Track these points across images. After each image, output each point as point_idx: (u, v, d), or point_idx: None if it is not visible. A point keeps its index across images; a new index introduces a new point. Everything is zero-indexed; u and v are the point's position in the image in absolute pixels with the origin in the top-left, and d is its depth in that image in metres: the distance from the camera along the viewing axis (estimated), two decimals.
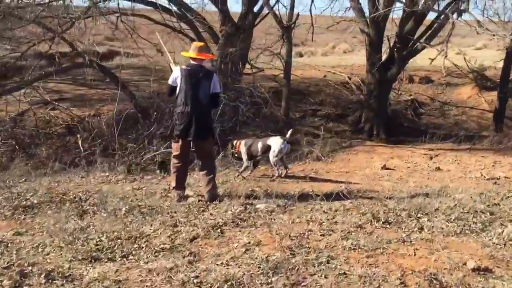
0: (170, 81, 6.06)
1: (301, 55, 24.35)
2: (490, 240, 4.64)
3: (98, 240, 4.53)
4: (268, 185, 7.14)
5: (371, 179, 8.05)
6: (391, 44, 12.31)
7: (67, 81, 14.33)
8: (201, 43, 6.51)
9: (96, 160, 8.77)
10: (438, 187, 7.08)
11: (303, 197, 6.25)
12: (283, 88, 12.32)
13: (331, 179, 7.91)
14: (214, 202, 5.87)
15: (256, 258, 4.08)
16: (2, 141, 10.46)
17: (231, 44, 11.28)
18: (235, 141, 7.98)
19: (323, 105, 13.82)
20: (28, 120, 11.32)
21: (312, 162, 9.59)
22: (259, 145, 7.65)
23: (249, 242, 4.46)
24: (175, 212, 5.47)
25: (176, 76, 5.99)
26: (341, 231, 4.74)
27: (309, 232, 4.72)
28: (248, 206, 5.62)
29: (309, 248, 4.33)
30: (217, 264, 4.01)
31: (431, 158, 9.96)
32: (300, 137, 10.80)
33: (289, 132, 7.59)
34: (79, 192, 6.50)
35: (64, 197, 6.21)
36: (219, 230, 4.78)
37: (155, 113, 10.52)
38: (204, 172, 6.08)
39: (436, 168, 9.05)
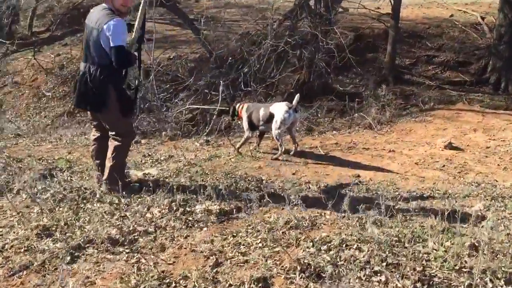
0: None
1: None
2: None
3: None
4: (260, 167, 5.46)
5: (415, 166, 5.84)
6: None
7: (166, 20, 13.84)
8: None
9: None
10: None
11: (277, 196, 4.46)
12: (389, 29, 10.65)
13: (357, 162, 5.90)
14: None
15: None
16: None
17: None
18: (237, 104, 6.30)
19: (442, 51, 11.85)
20: None
21: (359, 132, 7.56)
22: (261, 112, 5.90)
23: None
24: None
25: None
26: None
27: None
28: (178, 207, 4.04)
29: None
30: None
31: None
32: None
33: (296, 97, 5.69)
34: None
35: None
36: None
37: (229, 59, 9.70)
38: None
39: None
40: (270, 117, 5.80)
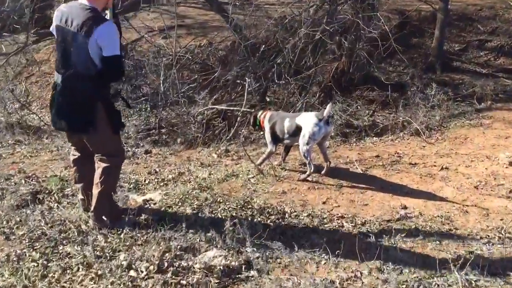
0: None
1: None
2: None
3: None
4: (284, 191, 4.53)
5: (475, 191, 4.75)
6: None
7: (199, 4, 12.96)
8: None
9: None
10: None
11: (299, 238, 3.53)
12: (438, 12, 9.69)
13: (403, 184, 4.86)
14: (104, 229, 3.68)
15: None
16: None
17: None
18: (259, 112, 5.34)
19: (495, 35, 10.73)
20: (138, 50, 10.23)
21: (404, 139, 6.49)
22: (286, 123, 4.93)
23: None
24: None
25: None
26: None
27: None
28: (171, 263, 3.17)
29: None
30: None
31: None
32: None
33: (328, 106, 4.68)
34: None
35: None
36: None
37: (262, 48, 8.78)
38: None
39: None
40: (297, 129, 4.83)
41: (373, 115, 8.79)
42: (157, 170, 5.24)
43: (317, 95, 9.75)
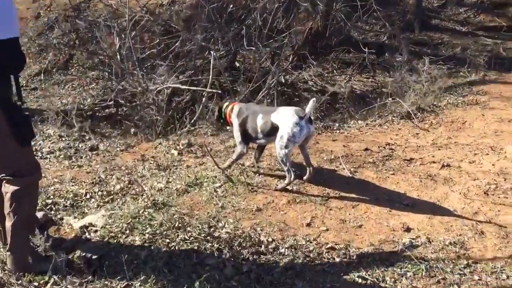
0: None
1: None
2: None
3: None
4: (259, 209, 3.66)
5: (486, 198, 3.98)
6: None
7: None
8: None
9: None
10: None
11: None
12: None
13: (400, 192, 4.05)
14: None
15: None
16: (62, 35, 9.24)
17: None
18: (225, 104, 4.38)
19: None
20: (93, 9, 9.32)
21: (393, 124, 5.66)
22: (259, 120, 4.01)
23: None
24: None
25: None
26: None
27: None
28: None
29: None
30: None
31: None
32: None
33: (311, 102, 3.75)
34: None
35: None
36: None
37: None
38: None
39: None
40: (273, 129, 3.91)
41: (350, 80, 8.11)
42: (103, 177, 4.27)
43: (290, 58, 8.93)
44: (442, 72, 7.26)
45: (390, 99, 6.16)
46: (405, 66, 7.22)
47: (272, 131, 3.93)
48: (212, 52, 6.56)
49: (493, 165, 4.55)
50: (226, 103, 4.35)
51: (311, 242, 3.27)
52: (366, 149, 4.89)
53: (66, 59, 9.47)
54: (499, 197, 3.98)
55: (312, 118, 3.97)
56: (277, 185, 4.03)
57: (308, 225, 3.50)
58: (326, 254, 3.15)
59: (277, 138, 3.85)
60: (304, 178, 4.09)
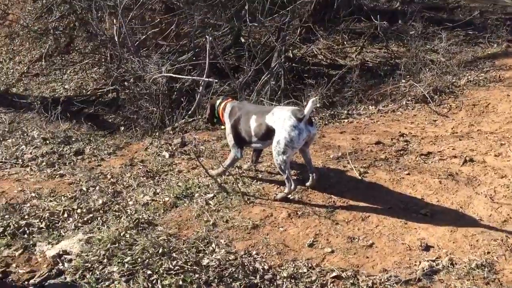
0: None
1: None
2: None
3: None
4: (255, 225, 3.22)
5: None
6: None
7: None
8: None
9: None
10: None
11: None
12: None
13: (417, 198, 3.56)
14: None
15: None
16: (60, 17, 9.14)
17: None
18: (217, 101, 3.88)
19: None
20: None
21: (407, 108, 5.12)
22: (252, 123, 3.52)
23: None
24: None
25: None
26: None
27: None
28: None
29: None
30: None
31: None
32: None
33: (310, 102, 3.23)
34: None
35: None
36: None
37: None
38: None
39: None
40: (268, 132, 3.43)
41: (362, 52, 7.56)
42: (85, 189, 3.85)
43: (298, 31, 8.40)
44: (459, 44, 6.67)
45: (404, 81, 5.57)
46: (419, 40, 6.57)
47: (267, 135, 3.45)
48: (208, 37, 6.02)
49: None
50: (219, 100, 3.86)
51: (313, 269, 2.82)
52: (378, 143, 4.39)
53: (66, 42, 9.10)
54: None
55: (313, 120, 3.46)
56: (276, 195, 3.57)
57: (311, 245, 3.05)
58: (331, 285, 2.70)
59: (274, 143, 3.37)
60: (307, 184, 3.63)
